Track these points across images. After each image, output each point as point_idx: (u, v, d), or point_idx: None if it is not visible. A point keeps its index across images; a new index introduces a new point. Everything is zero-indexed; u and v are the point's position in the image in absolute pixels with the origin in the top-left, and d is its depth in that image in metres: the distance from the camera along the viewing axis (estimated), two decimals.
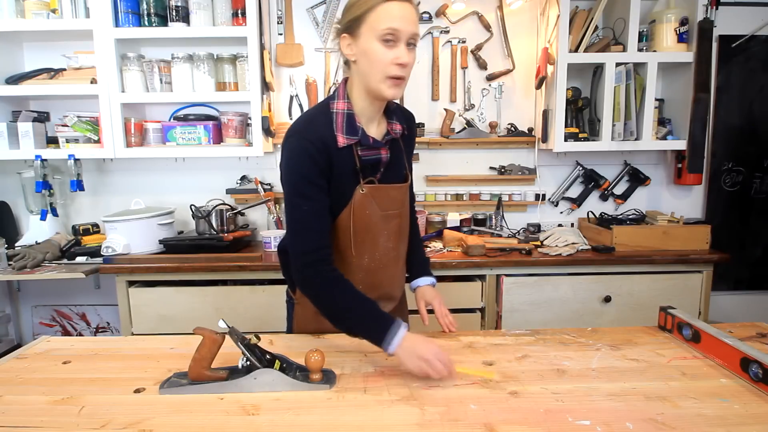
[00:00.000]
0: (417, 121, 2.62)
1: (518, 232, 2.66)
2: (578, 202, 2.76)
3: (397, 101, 1.32)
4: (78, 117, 2.48)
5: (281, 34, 2.61)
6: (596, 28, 2.52)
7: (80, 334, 2.80)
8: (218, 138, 2.52)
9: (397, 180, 1.32)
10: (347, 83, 1.25)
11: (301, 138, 1.18)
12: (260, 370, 1.00)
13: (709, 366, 1.10)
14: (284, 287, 1.45)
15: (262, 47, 2.43)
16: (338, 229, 1.26)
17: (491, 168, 2.74)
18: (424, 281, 1.45)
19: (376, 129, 1.27)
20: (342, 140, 1.19)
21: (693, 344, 1.20)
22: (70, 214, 2.73)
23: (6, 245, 2.32)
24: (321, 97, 2.68)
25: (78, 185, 2.46)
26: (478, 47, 2.64)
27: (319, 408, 0.94)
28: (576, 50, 2.44)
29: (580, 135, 2.52)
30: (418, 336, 1.10)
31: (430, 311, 1.41)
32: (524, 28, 2.64)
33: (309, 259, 1.16)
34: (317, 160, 1.16)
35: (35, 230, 2.53)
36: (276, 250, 2.47)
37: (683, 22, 2.41)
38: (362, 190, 1.23)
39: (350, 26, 1.16)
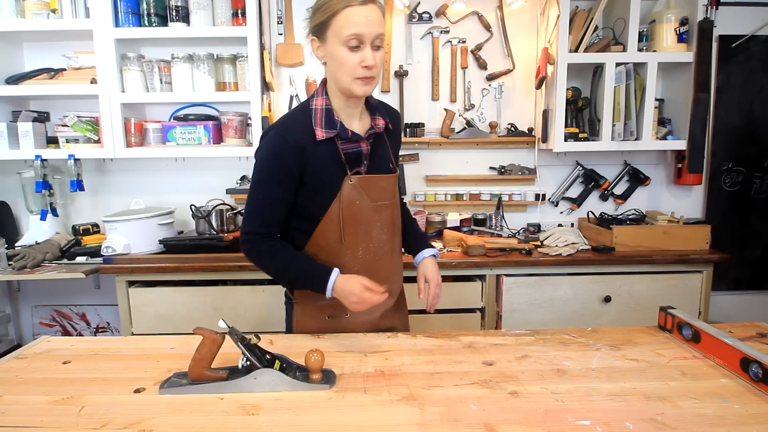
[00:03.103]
0: (417, 121, 2.64)
1: (518, 232, 2.66)
2: (578, 202, 2.76)
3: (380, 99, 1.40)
4: (78, 117, 2.48)
5: (281, 34, 2.61)
6: (596, 28, 2.52)
7: (80, 334, 2.80)
8: (218, 138, 2.52)
9: (384, 171, 1.35)
10: (326, 82, 1.31)
11: (277, 134, 1.25)
12: (260, 370, 1.00)
13: (709, 366, 1.10)
14: (283, 287, 1.46)
15: (262, 47, 2.43)
16: (329, 222, 1.29)
17: (491, 168, 2.74)
18: (426, 253, 1.48)
19: (358, 124, 1.33)
20: (321, 134, 1.24)
21: (693, 344, 1.20)
22: (70, 214, 2.73)
23: (6, 245, 2.31)
24: None
25: (78, 185, 2.46)
26: (478, 47, 2.64)
27: (319, 408, 0.94)
28: (576, 50, 2.44)
29: (580, 135, 2.51)
30: (346, 276, 1.23)
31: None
32: (524, 28, 2.64)
33: (251, 238, 1.29)
34: (287, 159, 1.23)
35: (35, 230, 2.53)
36: None
37: (683, 22, 2.41)
38: (350, 181, 1.27)
39: (317, 30, 1.23)
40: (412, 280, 1.46)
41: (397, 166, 1.42)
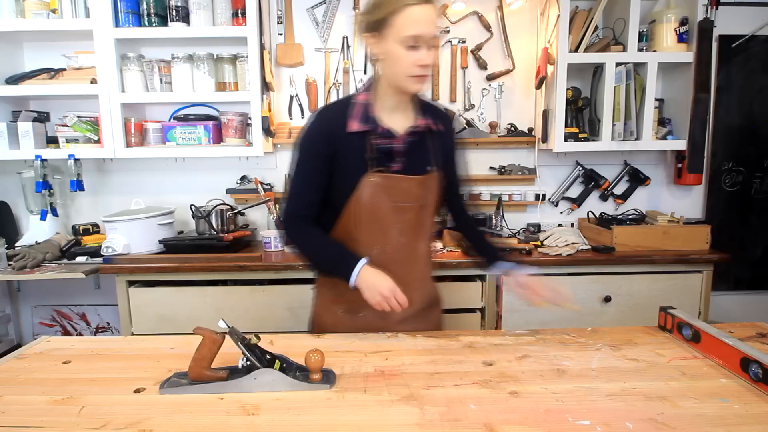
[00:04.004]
0: None
1: (518, 232, 2.66)
2: (578, 202, 2.76)
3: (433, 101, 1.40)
4: (78, 117, 2.48)
5: (281, 34, 2.62)
6: (596, 28, 2.52)
7: (80, 334, 2.80)
8: (218, 138, 2.52)
9: (417, 172, 1.32)
10: (374, 77, 1.32)
11: (314, 120, 1.31)
12: (260, 370, 1.00)
13: (709, 366, 1.10)
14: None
15: (262, 47, 2.43)
16: (347, 215, 1.30)
17: (491, 168, 2.74)
18: (504, 266, 1.41)
19: (399, 121, 1.31)
20: (354, 126, 1.26)
21: (693, 344, 1.20)
22: (70, 214, 2.73)
23: (6, 245, 2.31)
24: (321, 97, 2.68)
25: (78, 185, 2.46)
26: (478, 47, 2.64)
27: (319, 408, 0.94)
28: (576, 50, 2.44)
29: (580, 135, 2.51)
30: (376, 271, 1.23)
31: None
32: (524, 28, 2.64)
33: (290, 217, 1.32)
34: (318, 143, 1.28)
35: (35, 230, 2.53)
36: (275, 249, 2.48)
37: (683, 22, 2.41)
38: (370, 178, 1.27)
39: (375, 26, 1.22)
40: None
41: (441, 169, 1.36)
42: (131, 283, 2.21)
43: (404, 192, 1.30)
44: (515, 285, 1.38)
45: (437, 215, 1.45)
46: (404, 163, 1.31)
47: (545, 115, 2.55)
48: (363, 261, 1.25)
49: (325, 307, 1.41)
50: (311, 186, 1.31)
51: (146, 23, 2.38)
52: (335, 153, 1.27)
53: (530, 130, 2.69)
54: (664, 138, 2.53)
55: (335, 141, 1.27)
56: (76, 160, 2.44)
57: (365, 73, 2.65)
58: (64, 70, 2.48)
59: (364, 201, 1.28)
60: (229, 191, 2.65)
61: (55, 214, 2.51)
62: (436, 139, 1.36)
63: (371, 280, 1.23)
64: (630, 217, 2.62)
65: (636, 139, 2.43)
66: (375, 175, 1.27)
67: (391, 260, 1.31)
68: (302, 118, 2.68)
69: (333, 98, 2.66)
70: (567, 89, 2.45)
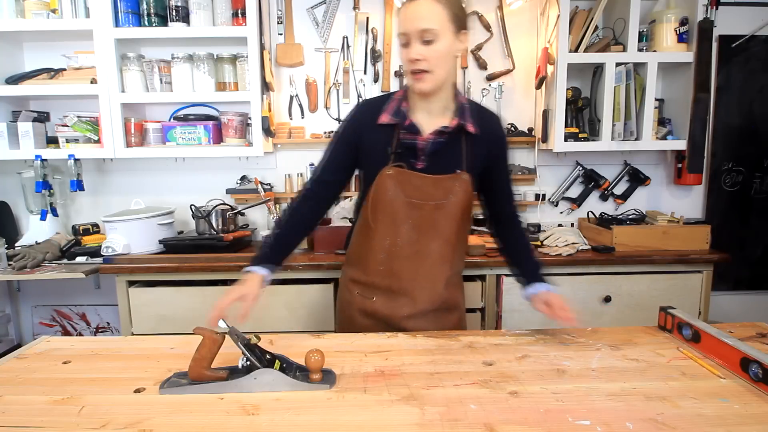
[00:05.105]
0: None
1: None
2: (578, 202, 2.76)
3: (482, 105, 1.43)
4: (78, 117, 2.48)
5: (281, 34, 2.61)
6: (596, 28, 2.52)
7: (80, 334, 2.80)
8: (218, 138, 2.52)
9: (442, 172, 1.33)
10: None
11: (355, 109, 1.40)
12: (260, 370, 1.00)
13: (709, 366, 1.10)
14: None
15: (262, 47, 2.43)
16: (366, 202, 1.37)
17: None
18: (539, 288, 1.36)
19: (431, 119, 1.32)
20: (384, 118, 1.32)
21: (693, 344, 1.20)
22: (70, 214, 2.73)
23: (6, 245, 2.31)
24: (321, 97, 2.68)
25: (78, 185, 2.46)
26: (478, 47, 2.64)
27: (319, 408, 0.94)
28: (576, 50, 2.44)
29: (580, 135, 2.51)
30: (251, 281, 1.23)
31: None
32: (524, 28, 2.64)
33: (301, 190, 1.40)
34: (349, 130, 1.37)
35: (35, 230, 2.53)
36: None
37: (683, 22, 2.41)
38: (387, 171, 1.31)
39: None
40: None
41: (474, 174, 1.35)
42: (131, 283, 2.21)
43: (417, 189, 1.32)
44: (539, 303, 1.34)
45: (466, 218, 1.41)
46: (430, 161, 1.32)
47: (545, 115, 2.55)
48: (259, 270, 1.25)
49: (345, 286, 1.48)
50: (327, 168, 1.38)
51: (146, 23, 2.38)
52: (361, 142, 1.34)
53: (530, 130, 2.69)
54: (664, 138, 2.53)
55: (363, 131, 1.34)
56: (76, 160, 2.44)
57: (365, 73, 2.65)
58: (64, 70, 2.48)
59: (382, 192, 1.32)
60: (229, 191, 2.65)
61: (55, 214, 2.51)
62: (473, 143, 1.33)
63: (238, 283, 1.23)
64: (630, 217, 2.62)
65: (636, 139, 2.43)
66: (392, 168, 1.31)
67: (400, 254, 1.36)
68: (302, 118, 2.68)
69: (333, 98, 2.67)
70: (567, 89, 2.45)
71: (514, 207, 1.48)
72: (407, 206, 1.32)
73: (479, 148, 1.34)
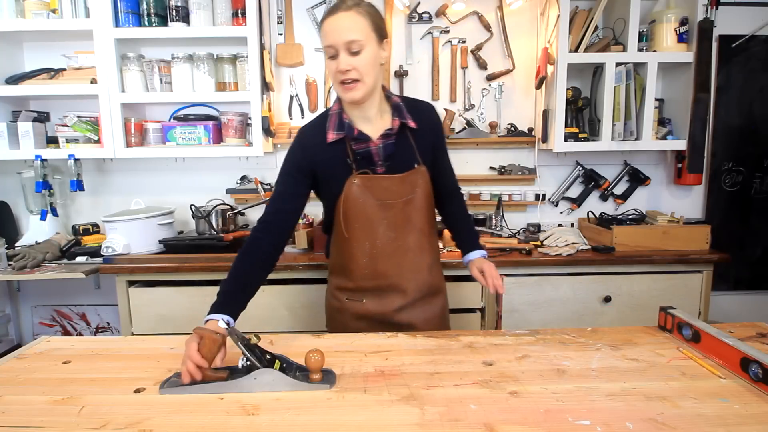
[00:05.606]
0: None
1: (518, 232, 2.66)
2: (578, 202, 2.76)
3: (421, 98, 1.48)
4: (78, 117, 2.48)
5: (281, 34, 2.62)
6: (596, 28, 2.52)
7: (80, 334, 2.80)
8: (218, 138, 2.52)
9: (402, 170, 1.38)
10: None
11: (296, 136, 1.41)
12: (260, 370, 1.00)
13: (709, 366, 1.10)
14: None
15: (262, 47, 2.43)
16: (337, 216, 1.39)
17: (491, 168, 2.74)
18: (473, 255, 1.55)
19: (372, 125, 1.37)
20: (331, 136, 1.35)
21: (693, 344, 1.20)
22: (70, 214, 2.73)
23: (6, 245, 2.32)
24: (321, 97, 2.69)
25: (78, 185, 2.46)
26: (478, 47, 2.64)
27: (319, 408, 0.94)
28: (576, 50, 2.44)
29: (580, 135, 2.51)
30: (208, 335, 1.03)
31: None
32: (524, 28, 2.64)
33: (258, 223, 1.38)
34: (298, 157, 1.38)
35: (35, 230, 2.53)
36: None
37: (683, 22, 2.41)
38: (354, 181, 1.35)
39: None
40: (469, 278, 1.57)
41: (429, 164, 1.43)
42: (131, 283, 2.21)
43: (386, 190, 1.37)
44: (475, 269, 1.52)
45: (431, 207, 1.49)
46: (389, 164, 1.37)
47: (545, 115, 2.55)
48: (220, 317, 1.14)
49: (333, 294, 1.51)
50: (283, 194, 1.38)
51: (146, 23, 2.38)
52: (315, 166, 1.36)
53: (530, 130, 2.69)
54: (664, 138, 2.53)
55: (314, 155, 1.36)
56: (76, 160, 2.44)
57: None
58: (64, 70, 2.48)
59: (350, 202, 1.36)
60: (229, 191, 2.65)
61: (55, 214, 2.51)
62: (419, 136, 1.41)
63: (193, 338, 1.04)
64: (630, 217, 2.62)
65: (636, 139, 2.43)
66: (357, 177, 1.35)
67: (382, 253, 1.40)
68: (302, 118, 2.68)
69: (333, 98, 2.67)
70: (567, 89, 2.45)
71: (455, 181, 1.58)
72: (380, 208, 1.37)
73: (424, 139, 1.42)
